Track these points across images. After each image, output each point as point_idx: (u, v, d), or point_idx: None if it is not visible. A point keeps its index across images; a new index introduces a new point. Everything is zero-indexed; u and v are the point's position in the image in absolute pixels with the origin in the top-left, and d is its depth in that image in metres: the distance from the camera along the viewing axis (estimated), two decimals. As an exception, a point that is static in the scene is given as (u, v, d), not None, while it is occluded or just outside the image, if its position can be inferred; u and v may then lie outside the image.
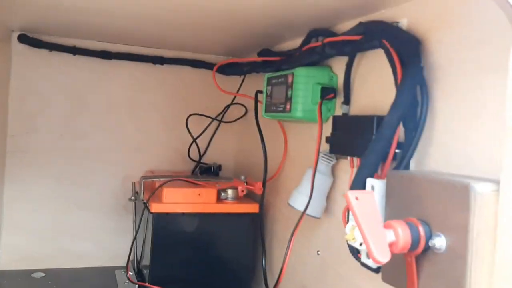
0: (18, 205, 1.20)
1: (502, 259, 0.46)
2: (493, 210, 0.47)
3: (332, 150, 0.82)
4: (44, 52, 1.22)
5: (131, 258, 1.20)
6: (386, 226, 0.53)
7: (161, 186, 1.06)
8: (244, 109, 1.35)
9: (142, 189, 1.15)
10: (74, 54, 1.23)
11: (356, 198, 0.53)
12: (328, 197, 0.87)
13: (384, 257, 0.49)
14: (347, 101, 0.83)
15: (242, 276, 1.11)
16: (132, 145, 1.30)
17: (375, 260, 0.49)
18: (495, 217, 0.47)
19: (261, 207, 1.10)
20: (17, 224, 1.20)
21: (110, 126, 1.28)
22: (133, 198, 1.18)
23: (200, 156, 1.36)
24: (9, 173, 1.19)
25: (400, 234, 0.52)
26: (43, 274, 1.18)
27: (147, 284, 1.03)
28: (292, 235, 0.86)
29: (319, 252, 0.91)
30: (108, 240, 1.28)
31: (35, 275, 1.17)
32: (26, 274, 1.17)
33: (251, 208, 1.10)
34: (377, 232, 0.51)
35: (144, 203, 1.09)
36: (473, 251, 0.48)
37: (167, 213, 1.04)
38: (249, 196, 1.14)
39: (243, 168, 1.33)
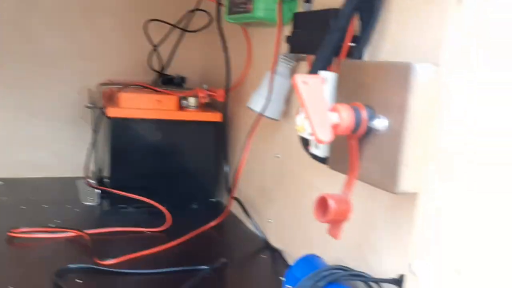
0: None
1: (435, 136, 0.46)
2: (431, 90, 0.48)
3: (291, 50, 0.81)
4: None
5: (92, 168, 1.20)
6: (331, 110, 0.53)
7: (119, 91, 1.03)
8: (209, 17, 1.29)
9: (100, 96, 1.12)
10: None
11: (304, 82, 0.52)
12: (288, 100, 0.87)
13: (326, 136, 0.50)
14: (308, -2, 0.80)
15: (205, 184, 1.13)
16: (88, 52, 1.25)
17: (318, 140, 0.50)
18: (432, 97, 0.47)
19: (224, 115, 1.09)
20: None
21: (63, 30, 1.22)
22: (90, 105, 1.15)
23: (162, 67, 1.32)
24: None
25: (343, 116, 0.52)
26: (2, 183, 1.16)
27: (106, 188, 1.04)
28: (248, 137, 0.87)
29: (278, 155, 0.92)
30: (67, 151, 1.26)
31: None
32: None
33: (214, 116, 1.10)
34: (322, 114, 0.51)
35: (100, 108, 1.06)
36: (410, 130, 0.48)
37: (124, 118, 1.02)
38: (213, 106, 1.13)
39: (208, 81, 1.30)
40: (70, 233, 0.88)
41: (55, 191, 1.16)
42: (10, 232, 0.86)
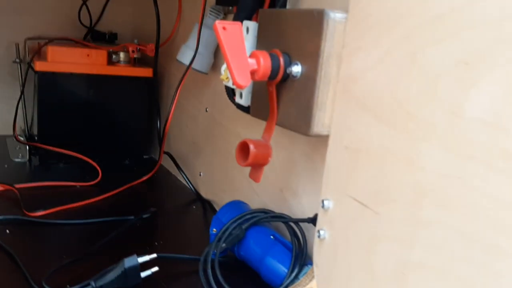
0: None
1: (342, 79, 0.51)
2: (341, 36, 0.51)
3: (218, 2, 0.82)
4: None
5: (21, 125, 1.16)
6: (250, 57, 0.56)
7: (45, 44, 1.00)
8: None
9: (27, 51, 1.08)
10: None
11: (223, 28, 0.54)
12: (216, 53, 0.89)
13: (244, 81, 0.53)
14: (235, -49, 0.81)
15: (137, 140, 1.14)
16: (11, 5, 1.18)
17: (236, 84, 0.53)
18: (342, 42, 0.51)
19: (155, 70, 1.09)
20: None
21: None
22: (17, 60, 1.11)
23: (93, 23, 1.28)
24: None
25: (261, 62, 0.55)
26: None
27: (37, 144, 1.02)
28: (177, 89, 0.88)
29: (207, 109, 0.95)
30: (-5, 108, 1.22)
31: None
32: None
33: (145, 72, 1.09)
34: (241, 61, 0.54)
35: (28, 63, 1.03)
36: (322, 74, 0.52)
37: (52, 72, 0.99)
38: (144, 63, 1.12)
39: (141, 38, 1.28)
40: (-1, 187, 0.87)
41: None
42: None
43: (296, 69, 0.55)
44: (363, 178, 0.44)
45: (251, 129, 0.79)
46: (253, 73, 0.55)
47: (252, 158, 0.57)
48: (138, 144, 1.14)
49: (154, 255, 0.62)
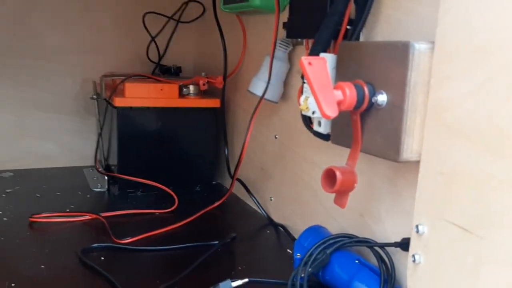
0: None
1: (431, 107, 0.52)
2: (428, 66, 0.53)
3: (288, 35, 0.86)
4: None
5: (98, 157, 1.24)
6: (335, 88, 0.59)
7: (123, 82, 1.07)
8: (202, 8, 1.34)
9: (103, 87, 1.16)
10: None
11: (309, 63, 0.57)
12: (285, 82, 0.93)
13: (332, 112, 0.56)
14: (303, -14, 0.85)
15: (206, 167, 1.19)
16: (88, 46, 1.28)
17: (325, 116, 0.56)
18: (429, 71, 0.53)
19: (223, 101, 1.14)
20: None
21: (63, 26, 1.25)
22: (94, 96, 1.19)
23: (160, 58, 1.37)
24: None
25: (347, 93, 0.58)
26: (11, 174, 1.20)
27: (116, 174, 1.08)
28: (251, 120, 0.92)
29: (276, 136, 0.98)
30: (72, 141, 1.30)
31: (3, 174, 1.19)
32: (-5, 174, 1.19)
33: (213, 102, 1.15)
34: (327, 92, 0.57)
35: (106, 100, 1.11)
36: (409, 102, 0.54)
37: (130, 107, 1.06)
38: (211, 93, 1.18)
39: (203, 69, 1.35)
40: (87, 217, 0.93)
41: (65, 180, 1.20)
42: (32, 217, 0.91)
43: (382, 98, 0.57)
44: (462, 202, 0.46)
45: (322, 154, 0.81)
46: (339, 103, 0.58)
47: (339, 185, 0.60)
48: (207, 171, 1.19)
49: (246, 280, 0.65)
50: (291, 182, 0.93)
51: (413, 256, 0.52)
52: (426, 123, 0.53)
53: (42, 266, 0.74)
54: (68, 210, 0.97)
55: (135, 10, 1.31)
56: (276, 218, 0.98)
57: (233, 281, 0.64)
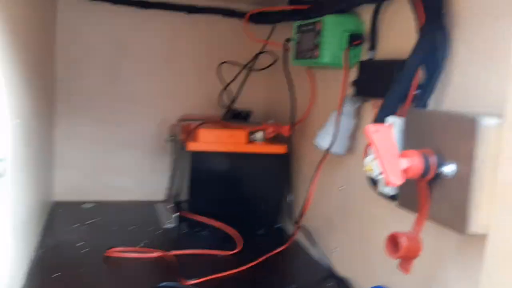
0: (68, 144, 1.32)
1: (502, 184, 0.53)
2: (496, 141, 0.54)
3: (357, 93, 0.89)
4: (86, 1, 1.29)
5: (169, 194, 1.32)
6: (402, 155, 0.61)
7: (196, 127, 1.15)
8: (273, 57, 1.40)
9: (179, 130, 1.25)
10: (114, 3, 1.30)
11: (376, 131, 0.60)
12: (352, 137, 0.95)
13: (397, 180, 0.57)
14: (373, 47, 0.88)
15: (271, 211, 1.22)
16: (167, 91, 1.39)
17: (389, 183, 0.57)
18: (497, 146, 0.53)
19: (289, 148, 1.18)
20: (68, 161, 1.33)
21: (148, 73, 1.37)
22: (170, 138, 1.28)
23: (231, 103, 1.44)
24: (59, 115, 1.31)
25: (413, 162, 0.59)
26: (92, 205, 1.31)
27: (186, 214, 1.15)
28: (316, 171, 0.95)
29: (342, 188, 1.00)
30: (147, 177, 1.40)
31: (85, 205, 1.30)
32: (77, 204, 1.30)
33: (279, 149, 1.19)
34: (393, 159, 0.59)
35: (181, 143, 1.19)
36: (477, 177, 0.55)
37: (202, 151, 1.13)
38: (278, 140, 1.23)
39: (271, 115, 1.40)
40: (157, 253, 1.00)
41: (138, 214, 1.29)
42: (108, 251, 0.98)
43: (449, 169, 0.58)
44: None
45: (389, 211, 0.82)
46: (405, 171, 0.59)
47: (403, 251, 0.61)
48: (271, 215, 1.22)
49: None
50: (356, 236, 0.94)
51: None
52: (496, 199, 0.53)
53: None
54: (142, 245, 1.04)
55: (211, 60, 1.40)
56: (339, 271, 0.99)
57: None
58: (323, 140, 0.95)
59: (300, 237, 1.13)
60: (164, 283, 0.86)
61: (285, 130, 1.16)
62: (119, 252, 0.99)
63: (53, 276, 0.88)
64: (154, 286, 0.85)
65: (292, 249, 1.11)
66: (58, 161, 1.32)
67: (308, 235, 1.09)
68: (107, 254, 0.98)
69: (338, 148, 0.94)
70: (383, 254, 0.83)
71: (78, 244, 1.03)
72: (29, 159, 0.90)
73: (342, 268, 0.98)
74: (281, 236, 1.19)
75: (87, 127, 1.33)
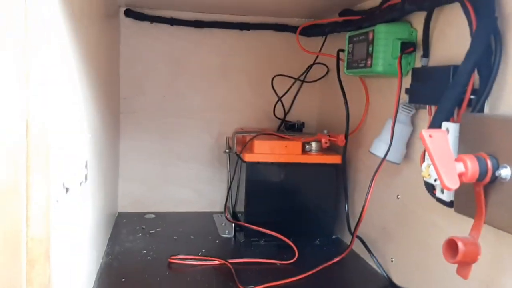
0: (131, 157, 1.41)
1: None
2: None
3: (411, 100, 0.89)
4: (146, 24, 1.38)
5: (227, 205, 1.36)
6: (457, 160, 0.60)
7: (252, 139, 1.19)
8: (325, 69, 1.42)
9: (235, 142, 1.29)
10: (172, 24, 1.38)
11: (430, 136, 0.60)
12: (408, 144, 0.94)
13: (453, 184, 0.57)
14: (426, 54, 0.88)
15: (326, 221, 1.23)
16: (223, 105, 1.45)
17: (445, 187, 0.57)
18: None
19: (344, 158, 1.19)
20: (131, 173, 1.41)
21: (204, 88, 1.44)
22: (227, 151, 1.33)
23: (285, 114, 1.47)
24: (123, 130, 1.40)
25: (469, 166, 0.59)
26: (154, 216, 1.38)
27: (243, 223, 1.18)
28: (372, 179, 0.95)
29: (398, 196, 0.99)
30: (205, 189, 1.45)
31: (147, 216, 1.37)
32: (140, 215, 1.37)
33: (334, 159, 1.20)
34: (448, 164, 0.59)
35: (237, 154, 1.23)
36: (536, 179, 0.54)
37: (258, 162, 1.17)
38: (332, 149, 1.24)
39: (325, 125, 1.41)
40: (216, 262, 1.03)
41: (197, 224, 1.34)
42: (170, 258, 1.04)
43: (506, 172, 0.57)
44: None
45: (447, 219, 0.80)
46: (460, 176, 0.59)
47: (461, 256, 0.60)
48: (327, 226, 1.23)
49: None
50: (414, 245, 0.92)
51: None
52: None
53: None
54: (200, 254, 1.08)
55: (265, 73, 1.45)
56: (397, 281, 0.98)
57: None
58: (379, 148, 0.95)
59: (357, 247, 1.13)
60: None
61: (340, 140, 1.17)
62: (181, 259, 1.04)
63: (121, 280, 0.94)
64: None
65: (349, 259, 1.10)
66: (121, 174, 1.40)
67: (365, 245, 1.08)
68: (170, 261, 1.03)
69: (394, 156, 0.94)
70: (442, 262, 0.82)
71: (142, 252, 1.09)
72: (100, 170, 0.98)
73: (400, 278, 0.97)
74: (338, 246, 1.19)
75: (148, 141, 1.41)
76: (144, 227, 1.28)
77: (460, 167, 0.59)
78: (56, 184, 0.51)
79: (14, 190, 0.40)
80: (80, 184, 0.69)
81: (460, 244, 0.60)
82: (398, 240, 0.99)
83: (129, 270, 0.99)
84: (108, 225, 1.18)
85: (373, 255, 1.05)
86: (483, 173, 0.59)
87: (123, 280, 0.94)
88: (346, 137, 1.16)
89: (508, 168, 0.57)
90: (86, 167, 0.71)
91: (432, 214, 0.86)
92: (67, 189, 0.57)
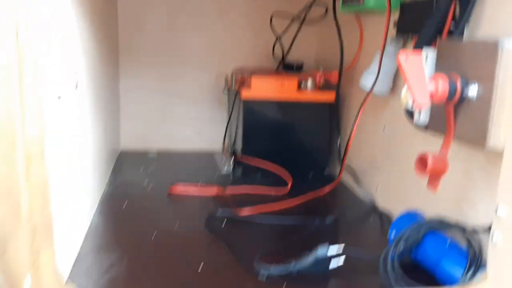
0: (132, 96, 1.45)
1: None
2: (516, 60, 0.56)
3: (398, 32, 0.92)
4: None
5: (226, 143, 1.42)
6: (430, 80, 0.65)
7: (249, 76, 1.22)
8: (324, 9, 1.43)
9: (234, 81, 1.33)
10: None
11: (405, 58, 0.64)
12: (395, 77, 0.98)
13: (424, 101, 0.62)
14: (414, -13, 0.90)
15: (320, 156, 1.28)
16: (223, 44, 1.47)
17: (417, 105, 0.62)
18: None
19: (337, 94, 1.23)
20: (132, 112, 1.46)
21: (204, 27, 1.46)
22: (226, 89, 1.37)
23: (284, 55, 1.50)
24: (123, 69, 1.43)
25: (439, 85, 0.63)
26: (155, 153, 1.44)
27: (241, 159, 1.24)
28: (359, 110, 0.99)
29: (385, 128, 1.04)
30: (206, 128, 1.51)
31: (150, 154, 1.44)
32: (142, 152, 1.44)
33: (328, 96, 1.24)
34: (421, 83, 0.63)
35: (235, 93, 1.27)
36: (497, 96, 0.58)
37: (255, 100, 1.21)
38: (328, 87, 1.27)
39: (322, 65, 1.44)
40: (214, 189, 1.10)
41: (197, 161, 1.40)
42: (171, 188, 1.11)
43: (472, 91, 0.62)
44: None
45: (428, 146, 0.85)
46: (432, 95, 0.63)
47: (430, 170, 0.65)
48: (320, 160, 1.28)
49: (343, 256, 0.74)
50: (397, 172, 0.98)
51: (492, 237, 0.56)
52: (510, 115, 0.56)
53: (177, 224, 0.92)
54: (199, 185, 1.15)
55: (264, 13, 1.46)
56: (381, 206, 1.04)
57: (330, 250, 0.73)
58: (366, 80, 0.99)
59: (347, 178, 1.19)
60: (220, 210, 0.97)
61: (333, 77, 1.21)
62: (181, 188, 1.11)
63: (123, 205, 1.01)
64: (211, 213, 0.95)
65: (339, 190, 1.17)
66: (123, 113, 1.46)
67: (354, 175, 1.14)
68: (170, 191, 1.10)
69: (380, 88, 0.98)
70: (419, 184, 0.88)
71: (144, 182, 1.16)
72: (101, 108, 1.03)
73: (384, 203, 1.03)
74: (331, 180, 1.25)
75: (148, 80, 1.45)
76: (146, 162, 1.34)
77: (431, 86, 0.63)
78: (48, 89, 0.55)
79: (9, 91, 0.43)
80: (72, 91, 0.74)
81: (429, 159, 0.65)
82: (383, 169, 1.04)
83: (130, 197, 1.06)
84: (110, 159, 1.24)
85: (360, 184, 1.12)
86: (452, 92, 0.63)
87: (125, 205, 1.01)
88: (339, 74, 1.19)
89: (475, 88, 0.61)
90: (76, 74, 0.76)
91: (414, 143, 0.90)
92: (59, 97, 0.63)
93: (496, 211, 0.57)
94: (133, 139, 1.47)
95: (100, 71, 1.06)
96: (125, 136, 1.47)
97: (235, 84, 1.31)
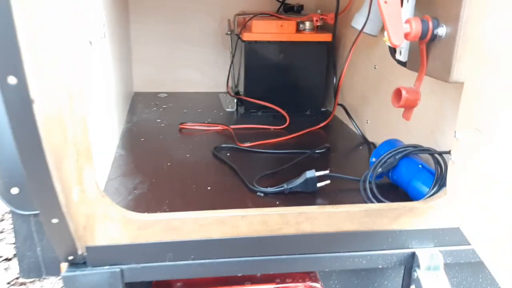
0: (143, 41, 1.53)
1: (475, 40, 0.64)
2: (481, 4, 0.64)
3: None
4: None
5: (230, 84, 1.51)
6: (405, 22, 0.73)
7: (250, 19, 1.30)
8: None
9: (236, 24, 1.40)
10: None
11: (385, 2, 0.72)
12: (384, 19, 1.05)
13: (398, 42, 0.70)
14: None
15: (317, 94, 1.37)
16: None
17: (392, 44, 0.71)
18: (478, 10, 0.64)
19: (334, 35, 1.30)
20: (143, 57, 1.55)
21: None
22: (229, 32, 1.44)
23: (284, -3, 1.55)
24: (132, 16, 1.51)
25: (413, 26, 0.71)
26: (166, 95, 1.55)
27: (243, 97, 1.34)
28: (350, 49, 1.08)
29: (375, 66, 1.12)
30: (211, 70, 1.59)
31: (160, 95, 1.54)
32: (154, 94, 1.54)
33: (325, 37, 1.31)
34: (397, 24, 0.71)
35: (237, 34, 1.35)
36: (461, 34, 0.66)
37: (255, 41, 1.29)
38: (325, 29, 1.34)
39: (321, 8, 1.50)
40: (219, 127, 1.22)
41: (204, 101, 1.51)
42: (181, 124, 1.22)
43: (442, 31, 0.70)
44: (488, 113, 0.59)
45: (412, 82, 0.94)
46: (407, 35, 0.72)
47: (403, 101, 0.75)
48: (317, 98, 1.38)
49: (327, 171, 0.86)
50: (385, 107, 1.08)
51: (451, 156, 0.67)
52: (472, 52, 0.65)
53: (188, 155, 1.04)
54: (206, 122, 1.26)
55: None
56: (370, 138, 1.15)
57: (317, 172, 0.85)
58: (357, 21, 1.07)
59: (341, 116, 1.29)
60: (224, 145, 1.08)
61: (329, 18, 1.28)
62: (190, 125, 1.22)
63: (140, 139, 1.13)
64: (217, 146, 1.07)
65: (334, 125, 1.28)
66: (134, 57, 1.54)
67: (346, 111, 1.25)
68: (181, 126, 1.22)
69: (371, 29, 1.05)
70: (401, 118, 0.98)
71: (157, 121, 1.28)
72: (119, 54, 1.12)
73: (372, 135, 1.14)
74: (326, 117, 1.35)
75: (157, 26, 1.52)
76: (157, 103, 1.45)
77: (406, 27, 0.72)
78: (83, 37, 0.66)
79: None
80: (100, 40, 0.84)
81: (403, 92, 0.75)
82: (373, 104, 1.14)
83: (146, 133, 1.18)
84: (126, 100, 1.35)
85: (352, 119, 1.22)
86: (425, 32, 0.72)
87: (142, 139, 1.13)
88: (336, 15, 1.26)
89: (444, 27, 0.70)
90: (104, 26, 0.86)
91: (401, 80, 1.00)
92: (90, 42, 0.73)
93: (455, 134, 0.67)
94: (145, 81, 1.57)
95: (117, 22, 1.15)
96: (137, 79, 1.57)
97: (237, 28, 1.38)
